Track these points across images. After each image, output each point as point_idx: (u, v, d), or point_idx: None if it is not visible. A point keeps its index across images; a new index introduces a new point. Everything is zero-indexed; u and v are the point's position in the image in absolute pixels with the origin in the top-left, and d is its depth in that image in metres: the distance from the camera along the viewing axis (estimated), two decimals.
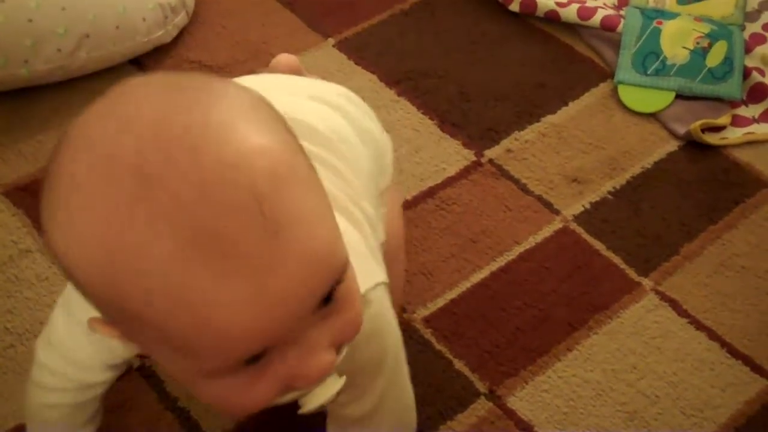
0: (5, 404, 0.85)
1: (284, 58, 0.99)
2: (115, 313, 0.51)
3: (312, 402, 0.56)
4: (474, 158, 1.10)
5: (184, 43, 1.20)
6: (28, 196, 1.02)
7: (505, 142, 1.12)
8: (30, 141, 1.08)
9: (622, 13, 1.25)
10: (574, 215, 1.05)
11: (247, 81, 0.76)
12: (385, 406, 0.70)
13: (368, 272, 0.64)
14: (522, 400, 0.88)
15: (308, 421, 0.72)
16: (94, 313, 0.54)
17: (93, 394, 0.73)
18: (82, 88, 1.12)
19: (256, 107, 0.51)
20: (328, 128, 0.73)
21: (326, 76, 1.16)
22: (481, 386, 0.89)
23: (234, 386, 0.51)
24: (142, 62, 1.17)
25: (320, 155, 0.68)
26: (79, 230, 0.48)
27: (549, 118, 1.16)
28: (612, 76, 1.21)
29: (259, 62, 1.19)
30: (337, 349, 0.54)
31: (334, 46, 1.23)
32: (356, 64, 1.21)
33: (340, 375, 0.56)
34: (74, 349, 0.67)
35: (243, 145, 0.48)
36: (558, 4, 1.26)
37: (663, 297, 0.98)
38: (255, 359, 0.50)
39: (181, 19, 1.19)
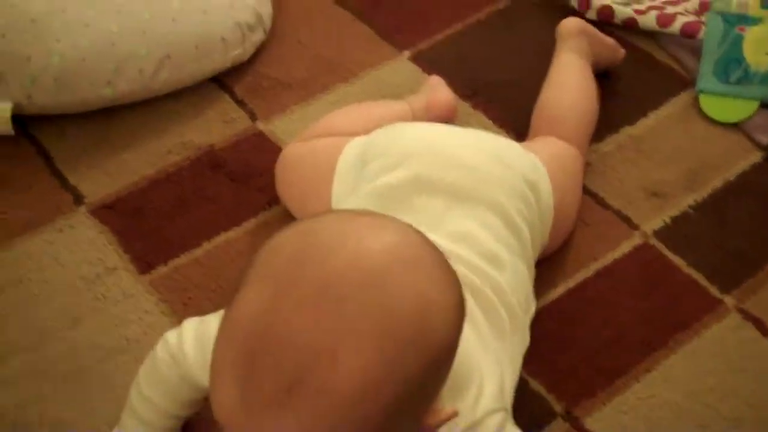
0: (92, 417, 0.88)
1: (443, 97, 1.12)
2: None
3: None
4: None
5: (261, 60, 1.22)
6: (114, 214, 1.05)
7: None
8: (114, 159, 1.11)
9: (702, 19, 1.22)
10: (653, 230, 1.03)
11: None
12: None
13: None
14: (599, 422, 0.87)
15: None
16: None
17: None
18: (163, 107, 1.15)
19: None
20: None
21: (402, 89, 1.16)
22: (558, 407, 0.89)
23: None
24: (221, 80, 1.19)
25: None
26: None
27: (628, 129, 1.14)
28: (693, 84, 1.18)
29: (336, 77, 1.21)
30: None
31: (409, 58, 1.23)
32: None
33: None
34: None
35: None
36: (636, 11, 1.23)
37: (746, 315, 0.95)
38: None
39: (258, 36, 1.20)
